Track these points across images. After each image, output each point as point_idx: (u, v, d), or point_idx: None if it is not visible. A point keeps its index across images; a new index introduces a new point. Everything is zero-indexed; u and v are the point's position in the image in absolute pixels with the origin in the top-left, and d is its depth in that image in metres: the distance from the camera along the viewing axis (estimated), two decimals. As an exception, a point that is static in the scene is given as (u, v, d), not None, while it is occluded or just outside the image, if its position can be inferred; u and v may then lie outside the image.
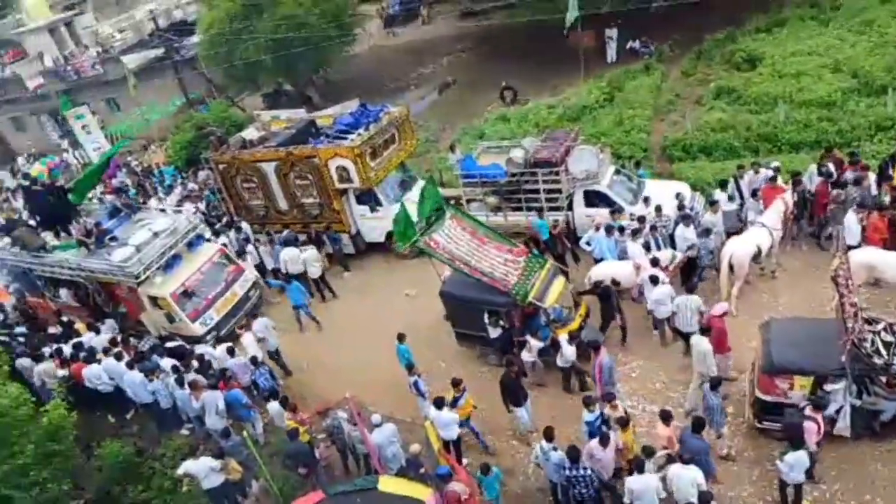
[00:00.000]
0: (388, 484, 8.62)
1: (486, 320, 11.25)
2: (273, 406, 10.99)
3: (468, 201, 15.42)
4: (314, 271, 15.26)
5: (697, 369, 9.71)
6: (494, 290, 11.03)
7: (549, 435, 8.76)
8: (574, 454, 8.27)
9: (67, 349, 13.35)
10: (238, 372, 12.02)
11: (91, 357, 12.77)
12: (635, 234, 12.13)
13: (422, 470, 9.25)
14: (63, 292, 15.41)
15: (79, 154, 31.25)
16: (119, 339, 13.84)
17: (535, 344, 10.82)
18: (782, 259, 12.38)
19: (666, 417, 8.61)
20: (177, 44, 30.21)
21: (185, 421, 12.26)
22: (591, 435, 8.77)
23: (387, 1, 38.33)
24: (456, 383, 9.97)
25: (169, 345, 13.49)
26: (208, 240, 15.72)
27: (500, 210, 14.64)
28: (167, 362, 12.34)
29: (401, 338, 11.51)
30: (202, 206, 20.41)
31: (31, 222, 16.66)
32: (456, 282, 11.79)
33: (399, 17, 37.06)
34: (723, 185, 13.55)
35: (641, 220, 12.54)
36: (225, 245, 15.80)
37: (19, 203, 25.91)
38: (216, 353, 12.64)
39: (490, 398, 10.55)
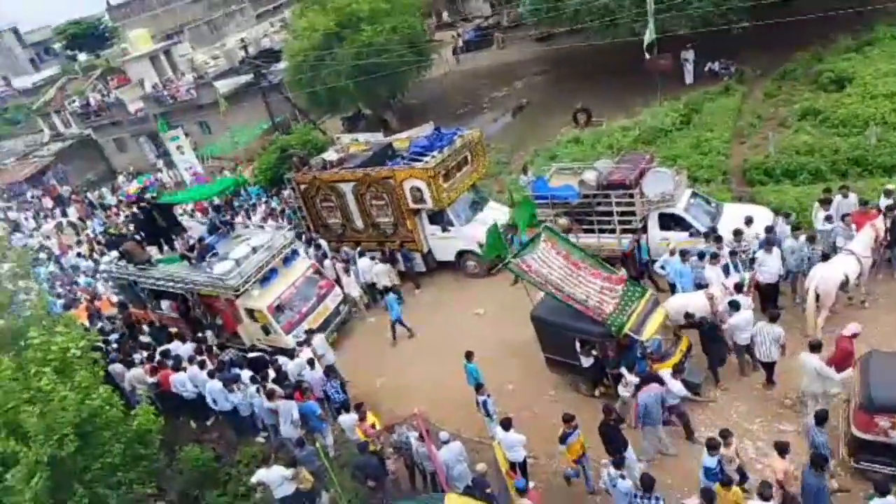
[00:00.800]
0: (455, 502, 8.67)
1: (578, 349, 10.80)
2: (344, 418, 11.28)
3: (539, 223, 15.45)
4: (383, 283, 15.98)
5: (810, 390, 9.25)
6: (588, 319, 10.47)
7: (617, 463, 8.60)
8: (648, 482, 8.05)
9: (156, 357, 14.19)
10: (314, 384, 12.44)
11: (178, 365, 13.52)
12: (714, 258, 11.75)
13: (488, 490, 9.23)
14: (164, 304, 16.24)
15: (172, 173, 33.40)
16: (203, 348, 14.51)
17: (631, 380, 10.12)
18: (873, 287, 11.71)
19: (783, 450, 8.01)
20: (264, 70, 31.84)
21: (260, 429, 12.76)
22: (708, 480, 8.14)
23: (462, 28, 39.17)
24: (568, 419, 9.36)
25: (250, 355, 14.11)
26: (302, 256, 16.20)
27: (571, 231, 14.57)
28: (247, 373, 12.90)
29: (469, 356, 11.55)
30: (284, 223, 21.35)
31: (136, 237, 17.41)
32: (548, 306, 11.31)
33: (474, 42, 37.74)
34: (824, 202, 12.63)
35: (719, 239, 12.16)
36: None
37: (121, 218, 27.98)
38: (290, 366, 13.11)
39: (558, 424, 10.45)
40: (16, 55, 64.12)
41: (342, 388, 12.59)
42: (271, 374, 12.70)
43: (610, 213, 13.97)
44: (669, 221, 13.72)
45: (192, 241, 15.80)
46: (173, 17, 54.76)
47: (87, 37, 65.78)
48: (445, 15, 43.95)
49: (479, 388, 10.88)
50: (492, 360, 12.54)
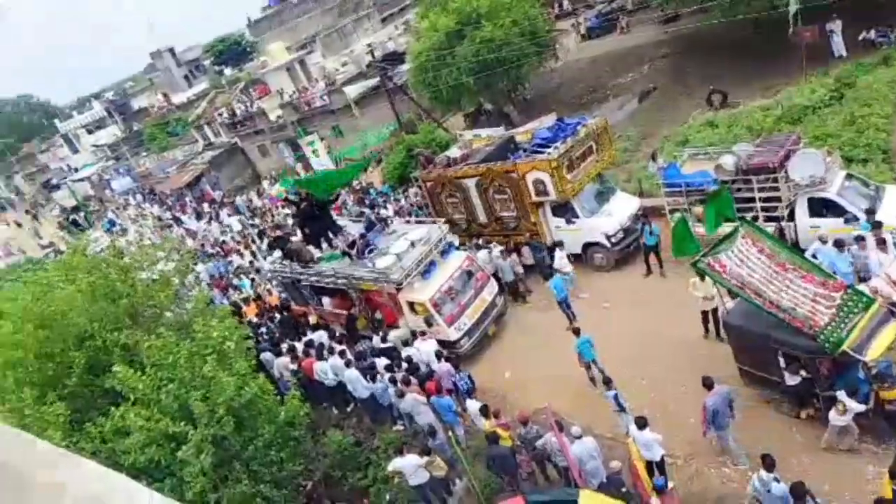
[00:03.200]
0: (590, 499, 8.55)
1: (783, 364, 9.48)
2: (472, 404, 11.51)
3: (671, 212, 14.82)
4: (508, 278, 16.05)
5: None
6: (796, 330, 9.05)
7: (769, 464, 8.04)
8: (800, 490, 7.51)
9: (300, 346, 15.22)
10: (442, 375, 12.80)
11: (321, 353, 14.43)
12: (882, 244, 10.61)
13: (623, 489, 9.04)
14: (326, 300, 16.99)
15: (311, 175, 35.63)
16: (342, 338, 15.31)
17: (853, 406, 8.70)
18: None
19: None
20: (390, 73, 32.99)
21: (396, 417, 13.33)
22: None
23: (584, 14, 38.20)
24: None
25: (381, 346, 14.71)
26: (457, 248, 16.39)
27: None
28: (382, 361, 13.51)
29: (577, 332, 11.74)
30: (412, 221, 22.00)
31: (295, 236, 18.34)
32: (744, 311, 9.96)
33: (596, 29, 36.69)
34: None
35: (878, 225, 11.03)
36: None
37: (278, 218, 30.15)
38: (423, 356, 13.56)
39: (696, 421, 10.01)
40: (173, 73, 71.24)
41: (470, 378, 12.85)
42: (403, 364, 13.20)
43: (751, 200, 13.12)
44: (821, 207, 12.62)
45: (351, 239, 16.30)
46: (306, 27, 58.24)
47: (231, 52, 71.98)
48: (566, 3, 43.07)
49: (608, 383, 10.67)
50: (622, 355, 12.24)
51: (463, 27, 27.24)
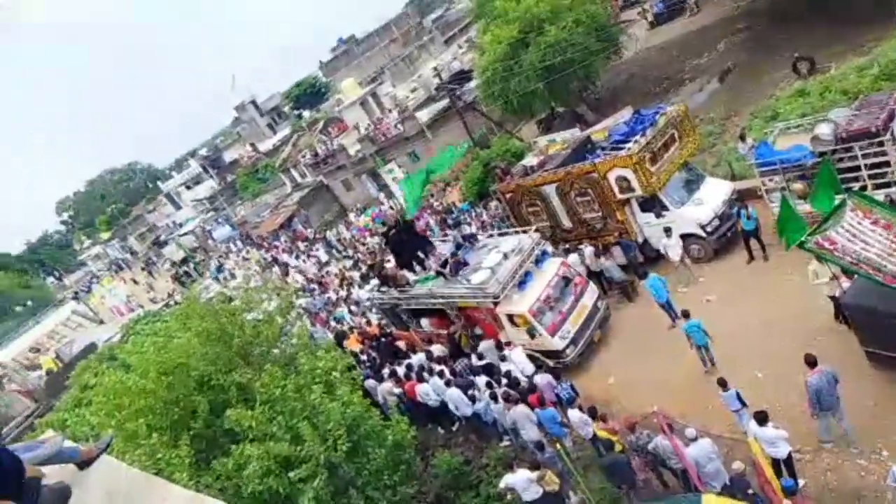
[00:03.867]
0: (713, 502, 8.16)
1: None
2: (574, 413, 11.28)
3: (768, 192, 13.99)
4: (617, 276, 15.98)
5: None
6: None
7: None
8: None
9: (401, 370, 15.49)
10: (543, 387, 12.62)
11: (421, 375, 14.63)
12: None
13: (749, 491, 8.53)
14: (424, 322, 16.92)
15: (393, 202, 36.51)
16: (440, 358, 15.31)
17: None
18: None
19: None
20: (458, 91, 33.36)
21: (503, 433, 13.25)
22: None
23: (649, 2, 37.14)
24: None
25: (479, 363, 14.60)
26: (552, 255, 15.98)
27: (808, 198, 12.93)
28: (482, 379, 13.51)
29: (686, 314, 11.76)
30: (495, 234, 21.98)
31: (389, 263, 18.33)
32: (866, 288, 9.34)
33: (664, 14, 35.55)
34: None
35: None
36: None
37: (367, 247, 31.04)
38: (523, 368, 13.43)
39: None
40: (257, 123, 75.51)
41: (572, 387, 12.59)
42: (503, 379, 13.13)
43: (857, 168, 12.17)
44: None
45: (443, 258, 16.36)
46: (375, 60, 60.20)
47: (308, 95, 75.39)
48: (629, -7, 41.99)
49: (722, 384, 10.09)
50: (733, 348, 11.61)
51: (526, 35, 27.17)
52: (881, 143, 11.77)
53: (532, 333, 14.05)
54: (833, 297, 11.04)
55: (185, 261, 54.74)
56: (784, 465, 8.85)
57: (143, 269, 62.39)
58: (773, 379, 10.89)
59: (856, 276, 9.41)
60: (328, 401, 10.37)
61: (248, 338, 12.71)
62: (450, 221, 26.62)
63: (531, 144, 22.64)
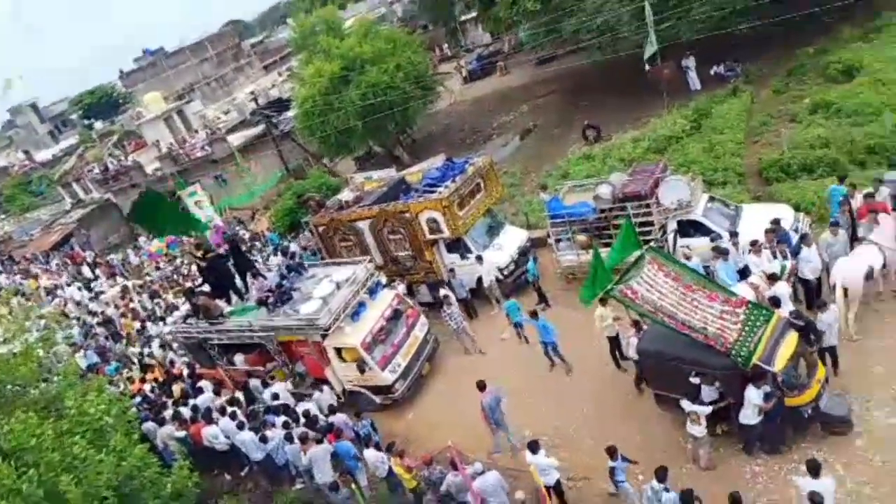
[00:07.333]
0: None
1: (698, 382, 9.57)
2: (369, 453, 11.15)
3: (556, 241, 15.39)
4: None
5: None
6: (707, 348, 9.18)
7: (660, 475, 8.37)
8: (688, 498, 7.85)
9: (186, 411, 14.12)
10: (342, 427, 12.31)
11: (209, 417, 13.49)
12: (753, 245, 11.65)
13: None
14: (238, 358, 15.55)
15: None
16: (232, 399, 14.25)
17: (701, 410, 9.32)
18: None
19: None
20: (275, 119, 32.49)
21: (295, 476, 12.63)
22: None
23: (464, 58, 39.80)
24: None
25: (274, 403, 13.75)
26: (385, 286, 15.46)
27: (591, 248, 14.43)
28: (279, 419, 12.83)
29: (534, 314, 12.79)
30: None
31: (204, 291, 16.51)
32: (657, 336, 10.11)
33: (477, 72, 38.26)
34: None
35: (734, 235, 12.31)
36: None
37: (150, 277, 28.05)
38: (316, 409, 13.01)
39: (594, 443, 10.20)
40: (36, 130, 66.52)
41: (372, 425, 12.47)
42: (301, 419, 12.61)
43: (650, 224, 13.87)
44: (689, 228, 13.55)
45: (266, 287, 15.22)
46: (183, 77, 56.46)
47: (101, 105, 67.97)
48: (447, 47, 44.68)
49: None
50: (521, 383, 12.35)
51: (348, 72, 27.46)
52: (648, 206, 13.60)
53: (362, 368, 13.48)
54: (610, 338, 12.26)
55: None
56: (554, 492, 9.55)
57: None
58: (557, 412, 11.76)
59: (646, 326, 10.48)
60: (96, 452, 9.10)
61: (-2, 376, 10.81)
62: (255, 252, 25.38)
63: (348, 179, 22.61)
